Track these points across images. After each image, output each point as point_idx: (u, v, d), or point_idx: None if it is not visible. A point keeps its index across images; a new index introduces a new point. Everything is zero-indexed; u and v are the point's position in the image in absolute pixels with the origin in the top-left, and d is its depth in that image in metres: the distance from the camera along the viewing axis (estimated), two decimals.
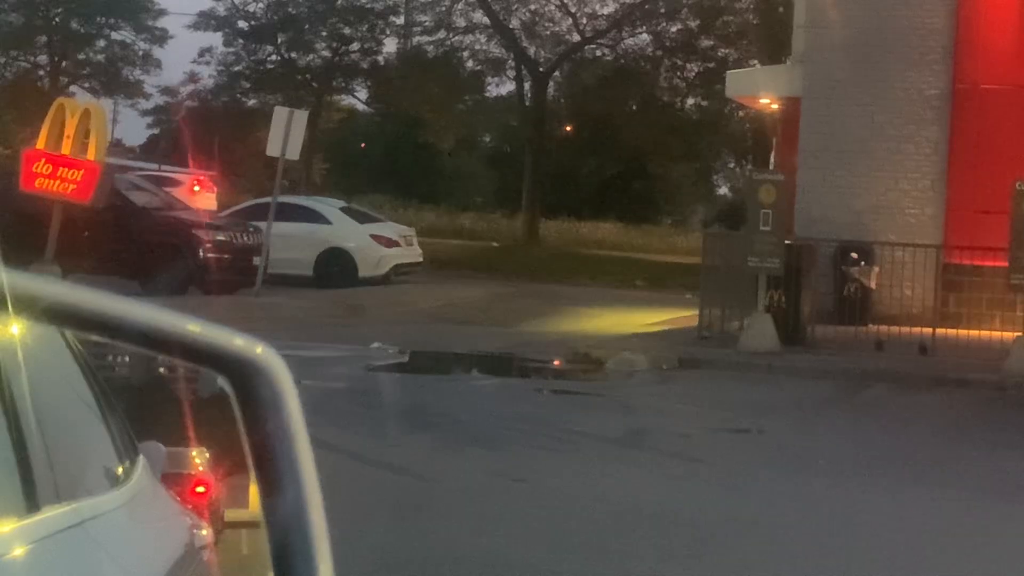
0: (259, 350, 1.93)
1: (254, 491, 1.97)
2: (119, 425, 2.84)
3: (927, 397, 17.27)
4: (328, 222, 31.11)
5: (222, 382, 1.94)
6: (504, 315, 25.70)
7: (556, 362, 19.87)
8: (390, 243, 31.47)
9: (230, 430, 2.00)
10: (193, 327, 1.94)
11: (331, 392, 14.76)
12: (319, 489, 1.89)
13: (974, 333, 20.67)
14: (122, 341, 2.04)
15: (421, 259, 32.83)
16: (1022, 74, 23.50)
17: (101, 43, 62.42)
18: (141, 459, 2.82)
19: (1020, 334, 18.88)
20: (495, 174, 63.63)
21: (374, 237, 31.25)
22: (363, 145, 64.71)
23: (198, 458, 3.39)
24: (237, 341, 1.94)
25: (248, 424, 1.92)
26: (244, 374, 1.91)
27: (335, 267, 30.28)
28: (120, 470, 2.69)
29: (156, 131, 76.01)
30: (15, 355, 2.26)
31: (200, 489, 3.37)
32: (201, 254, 26.07)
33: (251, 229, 27.25)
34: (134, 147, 78.16)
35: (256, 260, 25.89)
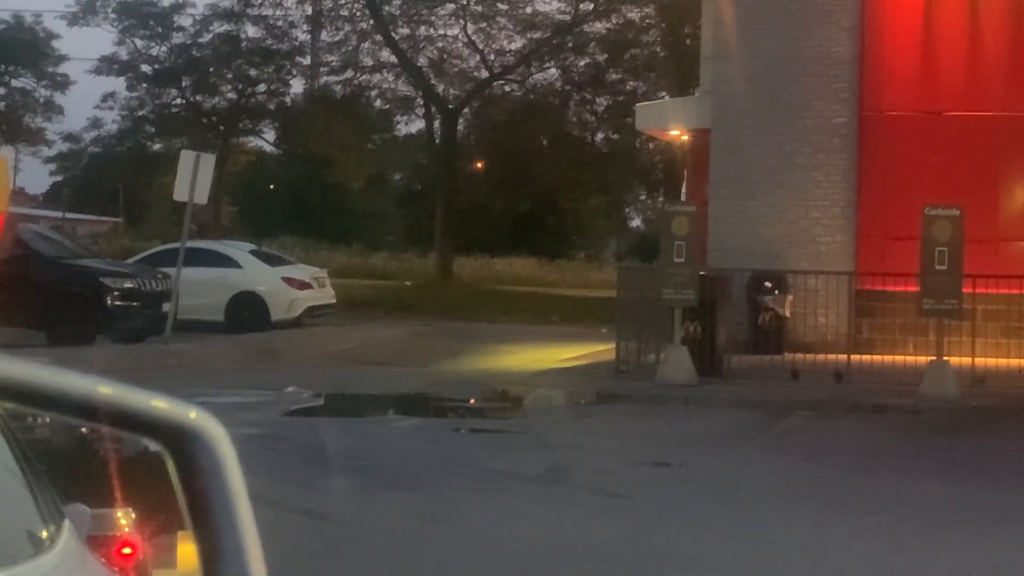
0: (193, 415, 1.84)
1: (181, 551, 1.88)
2: (42, 488, 2.74)
3: (845, 424, 17.34)
4: (238, 266, 30.77)
5: (158, 448, 1.84)
6: (419, 355, 25.58)
7: (473, 401, 19.77)
8: (302, 285, 31.18)
9: (155, 489, 1.91)
10: (123, 394, 1.84)
11: (246, 438, 14.56)
12: (261, 556, 1.80)
13: (888, 358, 20.82)
14: (49, 412, 1.94)
15: (334, 301, 32.55)
16: (927, 100, 23.79)
17: (1, 90, 61.76)
18: (67, 523, 2.71)
19: (933, 358, 19.01)
20: (407, 213, 63.58)
21: (285, 280, 30.94)
22: (272, 187, 64.46)
23: (123, 519, 3.28)
24: (170, 407, 1.84)
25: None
26: (180, 440, 1.82)
27: (246, 311, 29.91)
28: (45, 535, 2.59)
29: (59, 178, 75.30)
30: None
31: (126, 551, 3.27)
32: (109, 302, 25.72)
33: (160, 275, 26.94)
34: (37, 195, 77.29)
35: (166, 307, 25.54)
